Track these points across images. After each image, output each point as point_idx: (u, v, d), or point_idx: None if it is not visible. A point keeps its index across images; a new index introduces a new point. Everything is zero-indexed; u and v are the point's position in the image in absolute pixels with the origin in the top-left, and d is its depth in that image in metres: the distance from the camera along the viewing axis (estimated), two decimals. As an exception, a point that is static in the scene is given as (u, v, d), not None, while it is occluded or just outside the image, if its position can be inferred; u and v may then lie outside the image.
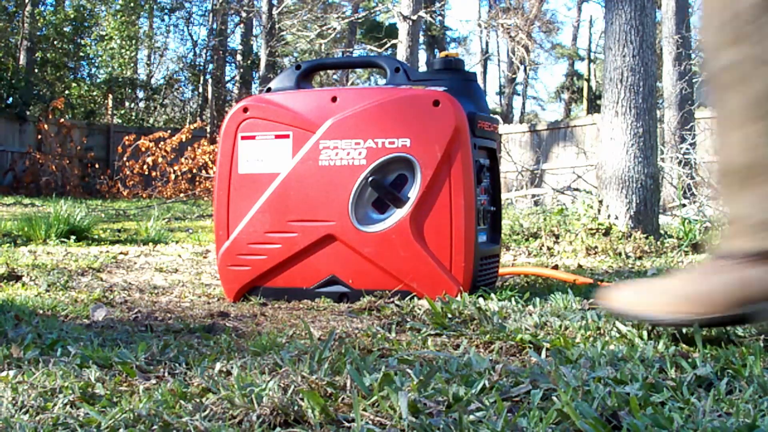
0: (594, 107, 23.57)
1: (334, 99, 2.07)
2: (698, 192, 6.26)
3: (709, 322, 1.34)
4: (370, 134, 2.01)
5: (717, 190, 1.40)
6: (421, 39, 23.62)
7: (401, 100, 2.01)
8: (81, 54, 19.28)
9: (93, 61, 19.93)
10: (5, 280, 2.45)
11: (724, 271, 1.35)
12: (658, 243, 3.80)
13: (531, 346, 1.36)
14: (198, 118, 19.14)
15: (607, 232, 3.92)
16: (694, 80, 9.02)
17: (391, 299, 1.95)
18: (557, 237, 4.10)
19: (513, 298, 1.88)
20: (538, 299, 1.83)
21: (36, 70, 17.46)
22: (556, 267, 2.94)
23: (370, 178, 2.01)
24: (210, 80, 20.29)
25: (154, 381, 1.12)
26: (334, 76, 20.90)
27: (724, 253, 1.37)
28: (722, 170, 1.37)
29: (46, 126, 14.11)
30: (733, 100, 1.33)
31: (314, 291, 2.07)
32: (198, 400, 0.98)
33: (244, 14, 20.50)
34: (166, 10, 22.27)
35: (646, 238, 3.81)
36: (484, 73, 25.99)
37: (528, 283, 2.43)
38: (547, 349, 1.29)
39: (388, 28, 22.19)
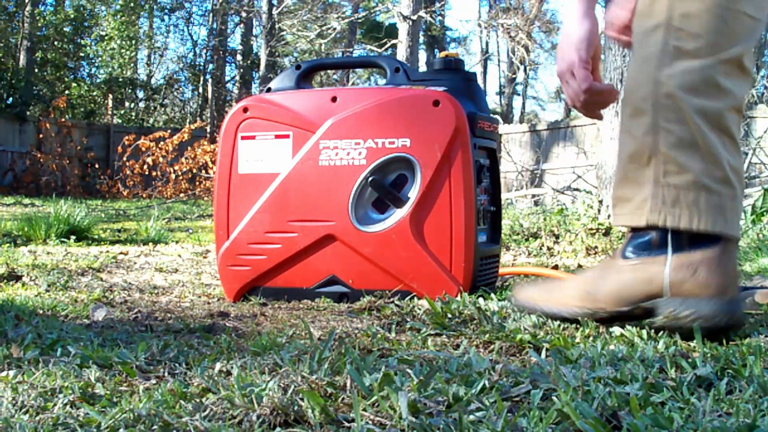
0: (594, 107, 23.49)
1: (334, 99, 2.07)
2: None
3: (602, 317, 1.50)
4: (370, 134, 2.01)
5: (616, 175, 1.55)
6: (421, 39, 23.60)
7: (401, 100, 2.01)
8: (81, 54, 19.29)
9: (93, 61, 19.94)
10: (5, 280, 2.45)
11: (620, 270, 1.49)
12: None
13: (531, 346, 1.36)
14: (198, 118, 19.15)
15: (607, 232, 3.92)
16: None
17: (391, 299, 1.95)
18: (557, 237, 4.10)
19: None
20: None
21: (36, 70, 17.47)
22: (556, 267, 2.94)
23: (370, 178, 2.01)
24: (210, 80, 20.30)
25: (154, 381, 1.12)
26: (334, 76, 20.90)
27: (621, 252, 1.52)
28: (620, 159, 1.53)
29: (46, 125, 14.11)
30: (627, 104, 1.51)
31: (314, 291, 2.07)
32: (198, 400, 0.98)
33: (244, 14, 20.51)
34: (166, 10, 22.28)
35: (646, 238, 3.80)
36: (484, 73, 25.98)
37: (528, 283, 2.43)
38: (547, 349, 1.29)
39: (388, 28, 22.20)
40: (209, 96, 19.77)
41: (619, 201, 1.52)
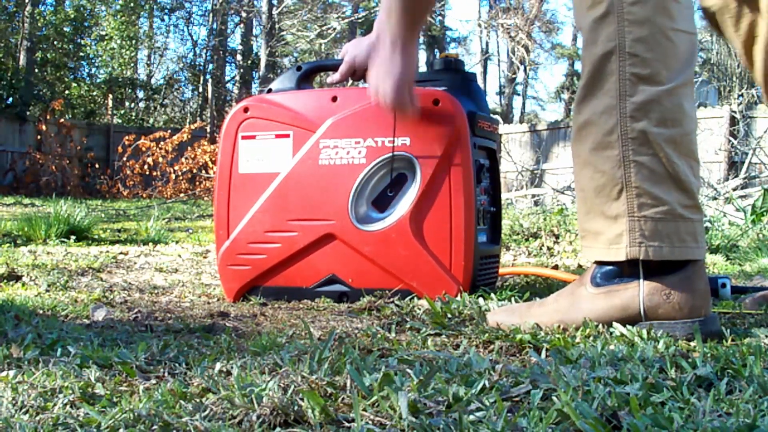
0: (594, 107, 23.47)
1: (334, 99, 2.07)
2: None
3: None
4: (370, 133, 2.01)
5: (578, 209, 1.55)
6: (421, 39, 23.55)
7: (401, 100, 2.01)
8: (81, 54, 19.29)
9: (93, 61, 19.95)
10: (5, 280, 2.45)
11: (593, 298, 1.50)
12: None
13: (531, 346, 1.36)
14: (198, 118, 19.16)
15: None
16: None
17: (391, 299, 1.95)
18: (557, 237, 4.10)
19: (513, 298, 1.88)
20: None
21: (36, 70, 17.47)
22: (556, 267, 2.94)
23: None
24: (210, 80, 20.30)
25: (154, 381, 1.12)
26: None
27: (590, 279, 1.52)
28: (582, 192, 1.52)
29: (45, 126, 14.12)
30: (588, 137, 1.49)
31: (314, 290, 2.07)
32: (198, 400, 0.98)
33: (244, 14, 20.51)
34: (166, 10, 22.29)
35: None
36: (484, 73, 25.98)
37: (528, 283, 2.43)
38: (547, 349, 1.29)
39: (388, 28, 22.12)
40: (209, 96, 19.77)
41: (589, 234, 1.52)
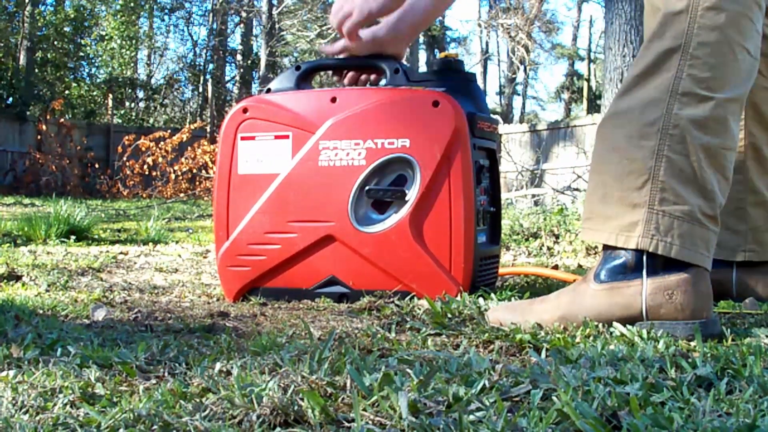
0: (594, 107, 23.55)
1: (333, 99, 2.07)
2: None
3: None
4: (370, 135, 2.01)
5: (593, 190, 1.55)
6: (421, 39, 23.55)
7: (401, 101, 2.01)
8: (81, 54, 19.31)
9: (93, 61, 19.97)
10: (5, 280, 2.45)
11: (595, 295, 1.50)
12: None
13: (531, 346, 1.36)
14: (198, 118, 19.16)
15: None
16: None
17: (391, 299, 1.95)
18: (557, 237, 4.10)
19: (513, 298, 1.88)
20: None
21: (36, 70, 17.48)
22: (556, 267, 2.94)
23: (366, 188, 2.00)
24: (210, 80, 20.31)
25: (154, 381, 1.12)
26: (334, 77, 20.91)
27: (594, 276, 1.52)
28: (602, 175, 1.54)
29: (45, 126, 14.12)
30: (627, 123, 1.51)
31: (314, 291, 2.07)
32: (198, 400, 0.98)
33: (244, 14, 20.51)
34: (166, 10, 22.30)
35: (646, 238, 3.79)
36: (484, 73, 25.99)
37: (528, 283, 2.43)
38: (547, 349, 1.29)
39: (388, 28, 22.13)
40: (209, 96, 19.78)
41: (597, 217, 1.53)
